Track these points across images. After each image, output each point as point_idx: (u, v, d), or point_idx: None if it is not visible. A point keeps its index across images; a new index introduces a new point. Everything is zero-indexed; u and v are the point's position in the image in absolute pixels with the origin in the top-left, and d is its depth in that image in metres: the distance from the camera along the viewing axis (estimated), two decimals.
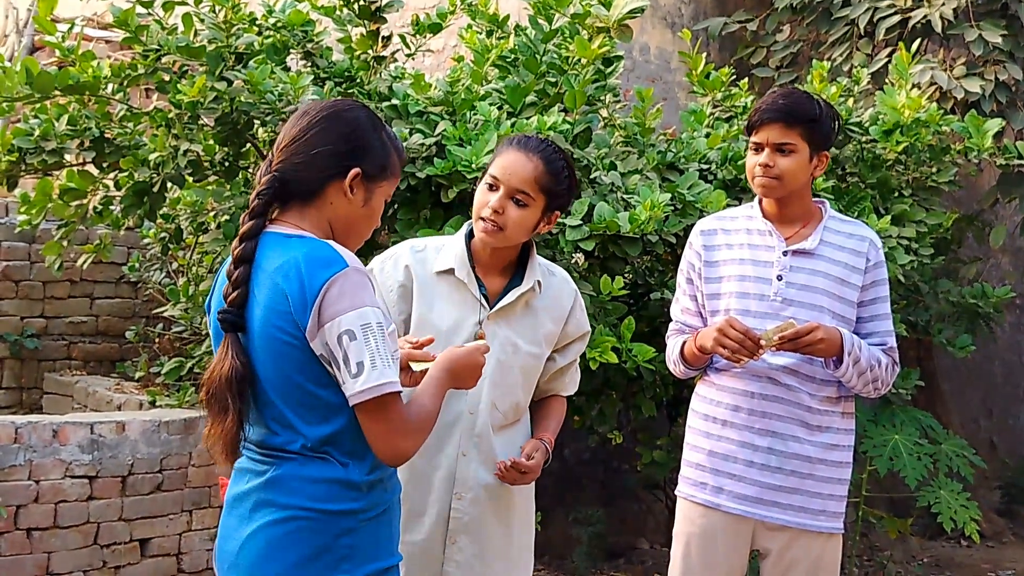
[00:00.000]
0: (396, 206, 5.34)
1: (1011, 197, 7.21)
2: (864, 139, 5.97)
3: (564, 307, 3.33)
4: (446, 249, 3.26)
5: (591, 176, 5.45)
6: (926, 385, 7.48)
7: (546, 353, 3.32)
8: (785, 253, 3.56)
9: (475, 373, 2.74)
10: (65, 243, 6.17)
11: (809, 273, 3.53)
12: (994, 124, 6.04)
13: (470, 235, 3.27)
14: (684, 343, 3.66)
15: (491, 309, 3.23)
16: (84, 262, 6.45)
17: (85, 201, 5.90)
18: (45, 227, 6.43)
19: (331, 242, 2.49)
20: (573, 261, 5.24)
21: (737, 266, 3.60)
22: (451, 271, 3.22)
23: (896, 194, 6.17)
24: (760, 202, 3.66)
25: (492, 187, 3.17)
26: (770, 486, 3.53)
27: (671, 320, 3.82)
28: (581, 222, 5.07)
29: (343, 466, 2.47)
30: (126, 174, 5.71)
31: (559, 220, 5.04)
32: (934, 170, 6.19)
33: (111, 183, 5.92)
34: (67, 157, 5.69)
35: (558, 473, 7.18)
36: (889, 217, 5.72)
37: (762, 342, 3.38)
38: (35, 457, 5.30)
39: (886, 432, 6.58)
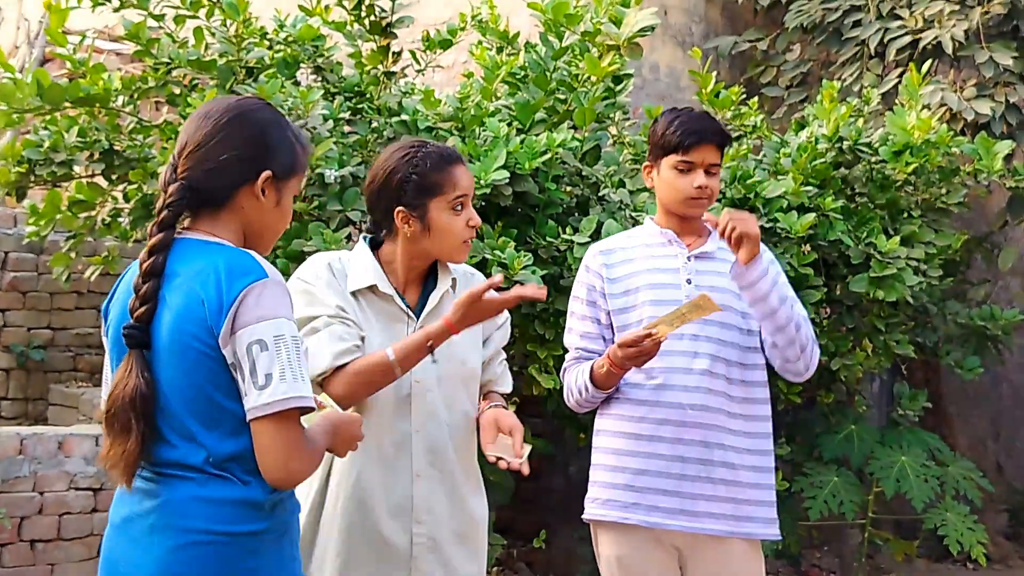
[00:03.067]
0: None
1: (1021, 219, 7.19)
2: (874, 160, 5.97)
3: None
4: (356, 264, 3.06)
5: (600, 193, 5.45)
6: (933, 407, 7.47)
7: (479, 355, 3.15)
8: (689, 258, 3.57)
9: (351, 442, 2.59)
10: (73, 255, 6.17)
11: (714, 275, 3.54)
12: (1004, 146, 6.03)
13: (373, 248, 3.10)
14: (593, 366, 3.53)
15: (418, 319, 3.04)
16: (92, 274, 6.45)
17: (94, 213, 5.91)
18: (53, 238, 6.44)
19: (252, 252, 2.39)
20: None
21: (646, 275, 3.57)
22: (372, 288, 3.02)
23: (905, 215, 6.16)
24: (653, 220, 3.68)
25: (462, 207, 3.04)
26: (694, 496, 3.47)
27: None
28: (589, 239, 5.06)
29: (245, 484, 2.33)
30: (135, 186, 5.71)
31: (567, 237, 5.05)
32: (943, 191, 6.18)
33: (120, 195, 5.93)
34: (76, 169, 5.71)
35: (563, 491, 7.15)
36: (898, 238, 5.71)
37: (653, 331, 3.31)
38: (40, 468, 5.30)
39: (893, 454, 6.56)
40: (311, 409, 2.35)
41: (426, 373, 3.00)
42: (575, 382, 3.61)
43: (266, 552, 2.38)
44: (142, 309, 2.35)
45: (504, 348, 3.29)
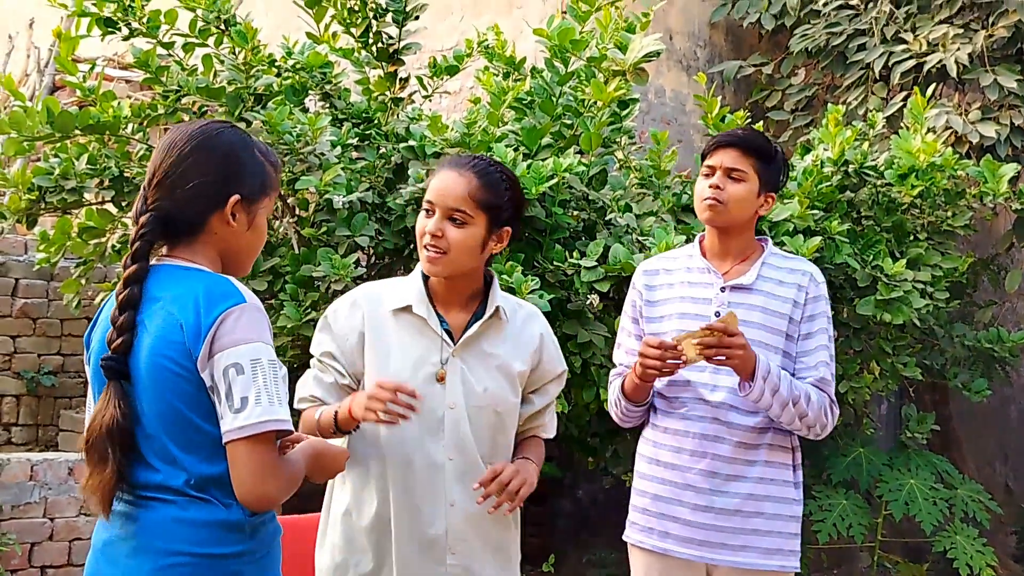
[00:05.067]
0: (412, 246, 5.37)
1: None
2: (879, 183, 5.98)
3: (532, 343, 3.10)
4: (401, 287, 3.07)
5: (606, 217, 5.48)
6: (941, 429, 7.47)
7: (518, 391, 3.08)
8: (723, 289, 3.52)
9: (333, 473, 2.66)
10: (83, 281, 6.20)
11: (747, 308, 3.48)
12: (1009, 169, 6.04)
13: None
14: (624, 379, 3.56)
15: (455, 344, 3.00)
16: (102, 300, 6.47)
17: (103, 240, 5.93)
18: (63, 265, 6.46)
19: (230, 278, 2.42)
20: (588, 302, 5.25)
21: (677, 304, 3.56)
22: (408, 308, 3.00)
23: (911, 238, 6.17)
24: (700, 241, 3.65)
25: (429, 212, 2.97)
26: (716, 527, 3.45)
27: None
28: (596, 263, 5.08)
29: (226, 507, 2.37)
30: None
31: (574, 261, 5.07)
32: (949, 214, 6.20)
33: (130, 222, 5.95)
34: (86, 196, 5.73)
35: (572, 514, 7.16)
36: (904, 261, 5.72)
37: (679, 346, 3.29)
38: (50, 494, 5.31)
39: (901, 476, 6.56)
40: (288, 432, 2.38)
41: (456, 398, 2.97)
42: (612, 395, 3.64)
43: (247, 574, 2.40)
44: (119, 340, 2.37)
45: None
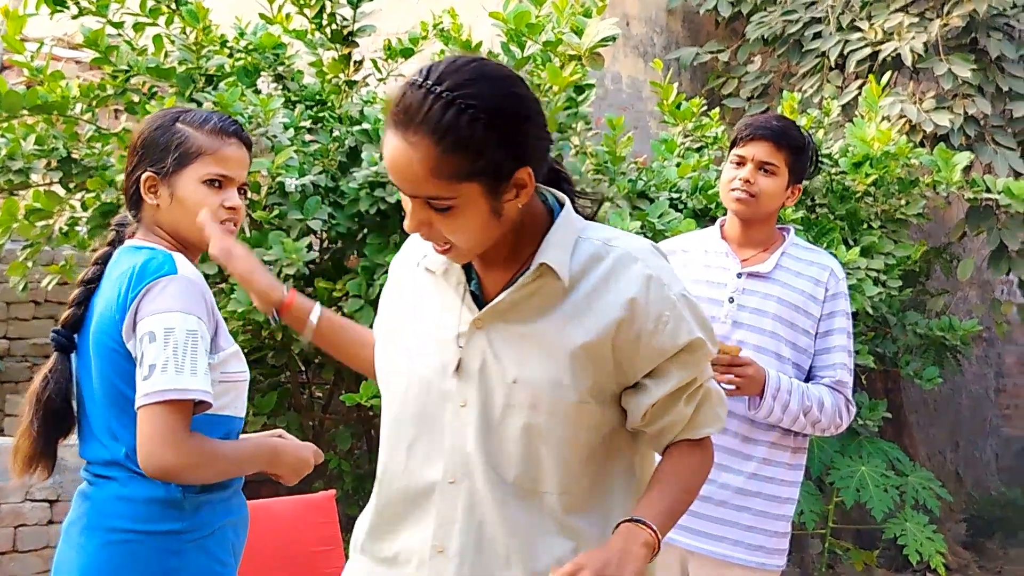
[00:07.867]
0: (366, 231, 5.32)
1: (979, 230, 7.25)
2: (834, 171, 6.00)
3: (615, 307, 2.02)
4: None
5: None
6: (893, 417, 7.51)
7: (581, 384, 2.02)
8: (739, 275, 3.46)
9: (298, 471, 2.60)
10: (30, 264, 6.10)
11: (762, 297, 3.43)
12: (963, 158, 6.08)
13: None
14: None
15: (480, 310, 2.06)
16: (49, 283, 6.37)
17: (51, 222, 5.84)
18: (10, 248, 6.36)
19: (174, 254, 2.48)
20: None
21: (692, 287, 3.49)
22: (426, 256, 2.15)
23: (865, 226, 6.19)
24: (722, 226, 3.58)
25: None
26: (699, 514, 3.37)
27: None
28: None
29: (164, 484, 2.39)
30: (93, 195, 5.65)
31: None
32: (903, 202, 6.23)
33: (78, 204, 5.86)
34: (34, 177, 5.64)
35: None
36: (858, 249, 5.74)
37: None
38: None
39: (853, 463, 6.59)
40: (204, 405, 2.38)
41: (469, 392, 2.04)
42: None
43: (188, 553, 2.43)
44: (66, 314, 2.51)
45: None
